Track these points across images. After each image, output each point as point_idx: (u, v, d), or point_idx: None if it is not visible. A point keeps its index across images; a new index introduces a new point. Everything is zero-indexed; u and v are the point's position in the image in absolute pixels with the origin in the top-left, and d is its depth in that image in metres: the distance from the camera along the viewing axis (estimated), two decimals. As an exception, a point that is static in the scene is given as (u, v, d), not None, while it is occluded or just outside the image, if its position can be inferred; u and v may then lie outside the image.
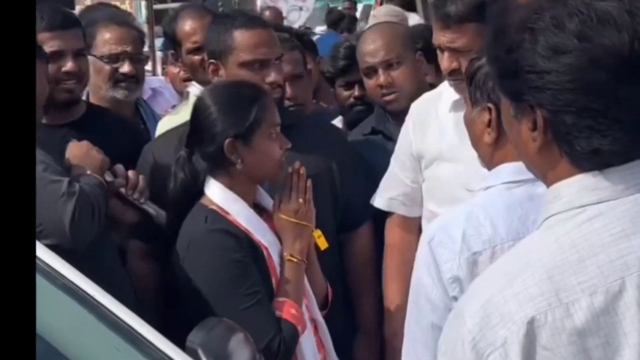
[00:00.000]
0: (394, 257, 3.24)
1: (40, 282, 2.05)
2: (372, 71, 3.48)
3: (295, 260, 2.75)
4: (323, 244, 2.87)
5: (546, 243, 1.45)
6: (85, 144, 2.95)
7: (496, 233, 2.11)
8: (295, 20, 12.06)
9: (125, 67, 3.60)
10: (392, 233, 3.28)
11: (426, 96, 3.25)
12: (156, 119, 3.90)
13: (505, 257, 1.58)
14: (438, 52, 3.07)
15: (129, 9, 17.54)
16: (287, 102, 3.44)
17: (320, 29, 15.60)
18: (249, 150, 2.74)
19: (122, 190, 2.99)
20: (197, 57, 3.60)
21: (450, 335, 1.47)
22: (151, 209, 3.02)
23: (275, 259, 2.75)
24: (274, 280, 2.73)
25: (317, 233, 2.84)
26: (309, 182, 2.80)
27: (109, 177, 2.97)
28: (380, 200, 3.28)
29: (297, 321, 2.68)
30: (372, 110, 3.66)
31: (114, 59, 3.59)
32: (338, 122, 3.91)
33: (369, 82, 3.50)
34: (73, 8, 15.12)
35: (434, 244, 2.15)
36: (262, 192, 2.87)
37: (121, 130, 3.39)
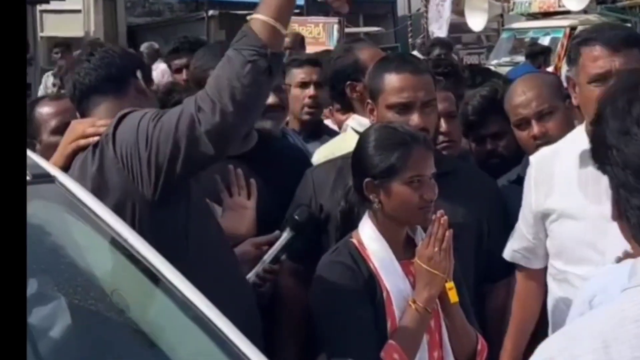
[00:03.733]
0: (516, 309, 3.28)
1: (175, 312, 2.27)
2: (524, 122, 3.49)
3: (414, 306, 2.77)
4: (454, 297, 2.81)
5: (613, 313, 1.49)
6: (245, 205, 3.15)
7: None
8: None
9: (270, 99, 3.75)
10: (517, 284, 3.31)
11: (545, 151, 3.25)
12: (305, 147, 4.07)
13: (577, 320, 1.63)
14: (594, 85, 2.98)
15: (322, 32, 17.99)
16: (441, 138, 3.54)
17: (505, 60, 15.60)
18: (385, 194, 2.84)
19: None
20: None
21: None
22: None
23: (398, 304, 2.79)
24: (389, 324, 2.78)
25: (449, 285, 2.80)
26: (449, 232, 2.79)
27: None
28: (506, 251, 3.31)
29: None
30: (507, 162, 3.68)
31: None
32: None
33: (522, 134, 3.51)
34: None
35: (596, 303, 2.12)
36: (419, 231, 2.92)
37: (293, 157, 3.57)
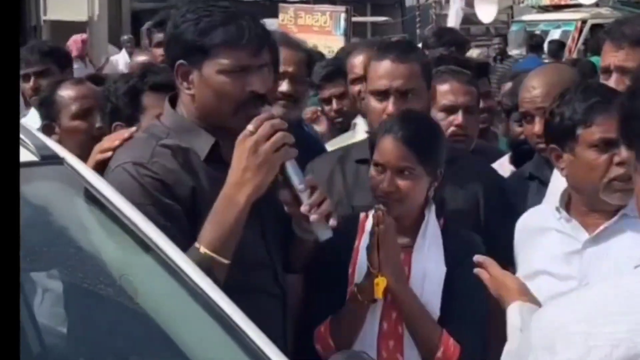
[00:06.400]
0: None
1: (183, 298, 2.23)
2: (529, 117, 3.39)
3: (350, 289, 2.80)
4: (377, 292, 2.74)
5: (613, 286, 1.64)
6: None
7: None
8: None
9: (283, 86, 3.64)
10: None
11: None
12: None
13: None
14: (602, 77, 3.10)
15: (328, 21, 17.90)
16: (455, 130, 3.54)
17: (516, 52, 15.49)
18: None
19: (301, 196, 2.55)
20: (356, 88, 3.73)
21: None
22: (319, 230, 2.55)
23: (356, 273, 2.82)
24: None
25: (377, 281, 2.74)
26: (377, 229, 2.74)
27: None
28: None
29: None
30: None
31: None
32: (505, 158, 3.86)
33: (527, 127, 3.42)
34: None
35: None
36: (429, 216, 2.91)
37: (307, 147, 3.44)
